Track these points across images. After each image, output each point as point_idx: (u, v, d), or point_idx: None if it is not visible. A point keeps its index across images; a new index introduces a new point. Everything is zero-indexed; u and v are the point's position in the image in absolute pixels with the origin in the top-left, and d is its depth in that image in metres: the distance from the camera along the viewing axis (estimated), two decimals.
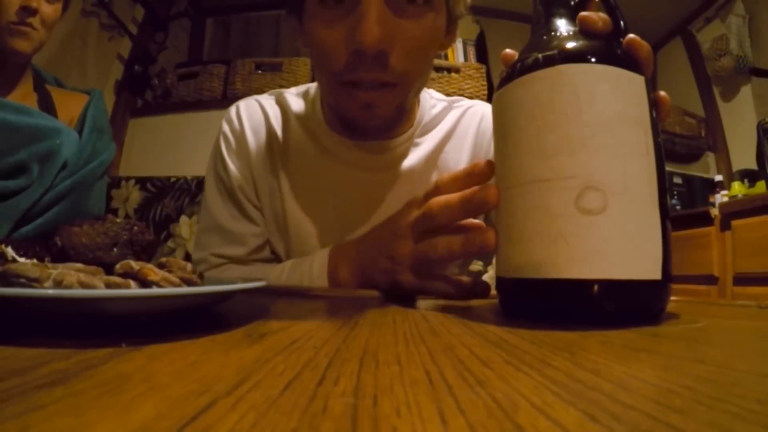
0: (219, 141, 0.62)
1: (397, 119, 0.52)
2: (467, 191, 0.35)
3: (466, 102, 0.65)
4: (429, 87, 0.63)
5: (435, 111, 0.62)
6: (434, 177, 0.60)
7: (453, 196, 0.35)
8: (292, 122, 0.60)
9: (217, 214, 0.60)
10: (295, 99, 0.62)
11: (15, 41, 0.69)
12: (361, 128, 0.51)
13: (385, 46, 0.42)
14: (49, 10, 0.72)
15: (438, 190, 0.38)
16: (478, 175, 0.35)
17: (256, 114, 0.62)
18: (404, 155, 0.59)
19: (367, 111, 0.47)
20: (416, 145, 0.59)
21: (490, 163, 0.33)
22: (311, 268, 0.49)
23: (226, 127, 0.62)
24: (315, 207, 0.59)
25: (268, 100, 0.63)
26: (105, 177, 0.82)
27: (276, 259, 0.62)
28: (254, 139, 0.60)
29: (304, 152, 0.59)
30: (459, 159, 0.61)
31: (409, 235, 0.40)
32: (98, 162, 0.75)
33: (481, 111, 0.64)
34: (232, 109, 0.63)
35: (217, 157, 0.61)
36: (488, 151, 0.62)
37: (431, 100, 0.63)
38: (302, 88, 0.64)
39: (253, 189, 0.60)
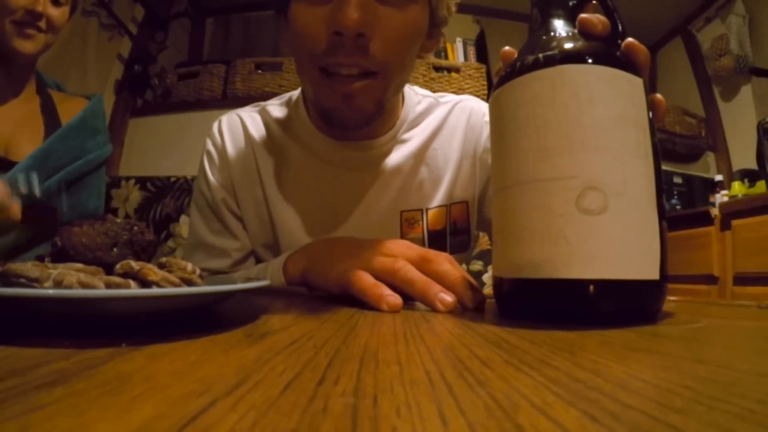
0: (203, 158, 0.63)
1: (376, 115, 0.51)
2: (472, 285, 0.34)
3: (452, 97, 0.65)
4: (429, 87, 0.63)
5: (420, 108, 0.62)
6: (423, 172, 0.59)
7: (461, 276, 0.34)
8: (275, 131, 0.61)
9: (200, 231, 0.61)
10: (277, 108, 0.63)
11: (19, 42, 0.68)
12: (339, 122, 0.50)
13: (364, 30, 0.42)
14: (56, 14, 0.71)
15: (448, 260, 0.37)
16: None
17: (236, 128, 0.62)
18: (390, 153, 0.58)
19: (346, 103, 0.47)
20: (402, 142, 0.59)
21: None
22: (275, 261, 0.49)
23: (209, 143, 0.63)
24: (303, 211, 0.59)
25: (249, 113, 0.64)
26: (102, 174, 0.82)
27: None
28: (235, 152, 0.61)
29: (289, 158, 0.59)
30: (449, 155, 0.61)
31: (381, 251, 0.38)
32: (84, 161, 0.74)
33: (470, 106, 0.64)
34: (215, 125, 0.64)
35: (201, 175, 0.62)
36: (477, 145, 0.62)
37: (416, 96, 0.63)
38: (284, 96, 0.65)
39: (235, 201, 0.61)
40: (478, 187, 0.62)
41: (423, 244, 0.59)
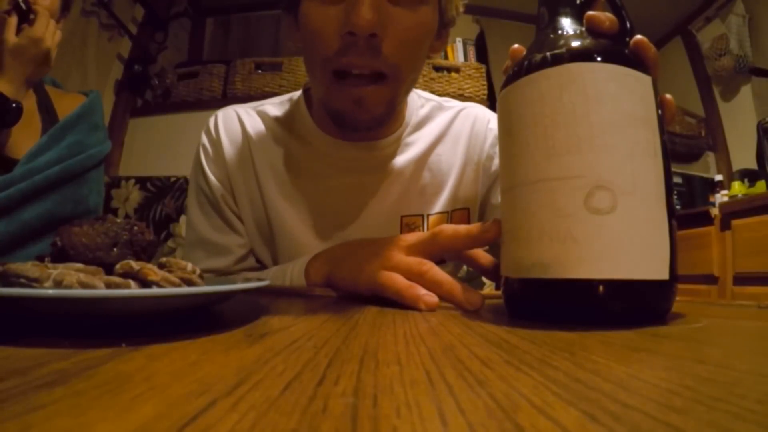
0: (198, 152, 0.61)
1: (387, 116, 0.51)
2: (473, 226, 0.35)
3: (456, 104, 0.65)
4: (429, 87, 0.63)
5: (424, 111, 0.61)
6: (425, 177, 0.59)
7: (461, 228, 0.35)
8: (274, 128, 0.60)
9: (200, 228, 0.59)
10: (277, 107, 0.62)
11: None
12: (350, 124, 0.50)
13: (377, 30, 0.42)
14: (46, 2, 0.71)
15: (440, 233, 0.37)
16: (481, 239, 0.34)
17: (233, 123, 0.61)
18: (394, 155, 0.58)
19: (358, 106, 0.47)
20: (406, 144, 0.59)
21: (497, 224, 0.33)
22: (294, 265, 0.49)
23: (204, 138, 0.61)
24: (302, 211, 0.58)
25: (246, 109, 0.62)
26: (102, 171, 0.81)
27: (261, 267, 0.61)
28: (231, 147, 0.59)
29: (288, 156, 0.58)
30: (452, 161, 0.60)
31: (404, 250, 0.38)
32: (86, 155, 0.74)
33: (475, 113, 0.64)
34: (211, 120, 0.62)
35: (198, 170, 0.61)
36: (480, 152, 0.61)
37: (419, 99, 0.63)
38: (285, 96, 0.64)
39: (232, 197, 0.59)
40: (480, 194, 0.62)
41: None
